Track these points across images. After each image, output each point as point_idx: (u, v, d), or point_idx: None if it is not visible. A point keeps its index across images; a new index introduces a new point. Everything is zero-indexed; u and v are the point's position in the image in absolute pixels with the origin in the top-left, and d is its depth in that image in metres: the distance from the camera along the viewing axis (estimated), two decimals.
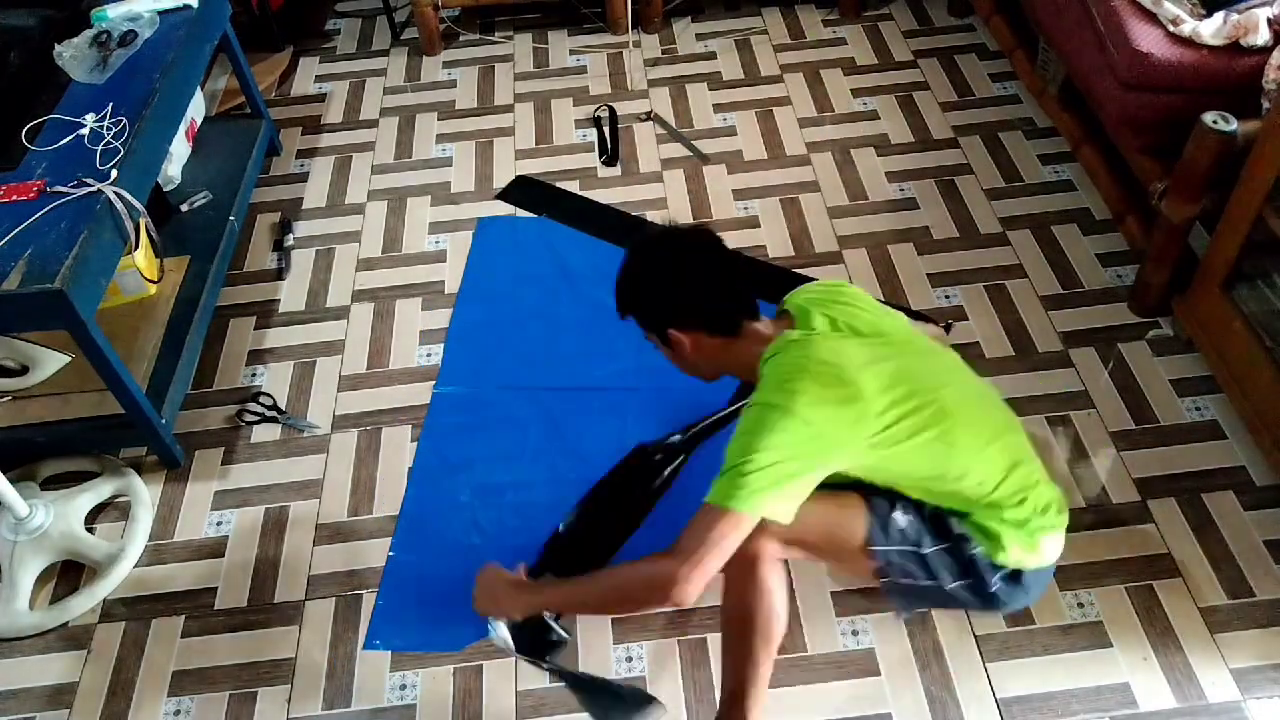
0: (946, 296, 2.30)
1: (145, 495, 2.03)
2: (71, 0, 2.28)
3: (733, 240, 2.46)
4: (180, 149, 2.47)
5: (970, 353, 2.18)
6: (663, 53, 3.12)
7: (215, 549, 1.96)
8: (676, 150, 2.76)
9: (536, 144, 2.82)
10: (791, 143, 2.75)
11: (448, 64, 3.14)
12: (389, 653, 1.79)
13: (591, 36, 3.20)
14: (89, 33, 2.16)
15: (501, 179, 2.71)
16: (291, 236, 2.58)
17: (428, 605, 1.85)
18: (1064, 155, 2.61)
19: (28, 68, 2.13)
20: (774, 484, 1.28)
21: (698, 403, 2.12)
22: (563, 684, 1.65)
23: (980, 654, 1.72)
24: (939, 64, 2.97)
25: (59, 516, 1.92)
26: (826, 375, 1.32)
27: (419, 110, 2.97)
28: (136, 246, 1.89)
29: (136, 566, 1.93)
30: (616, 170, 2.71)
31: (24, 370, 2.02)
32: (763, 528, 1.32)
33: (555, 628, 1.65)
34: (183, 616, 1.86)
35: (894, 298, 2.31)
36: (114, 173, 1.85)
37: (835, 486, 1.41)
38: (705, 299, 1.44)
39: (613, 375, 2.18)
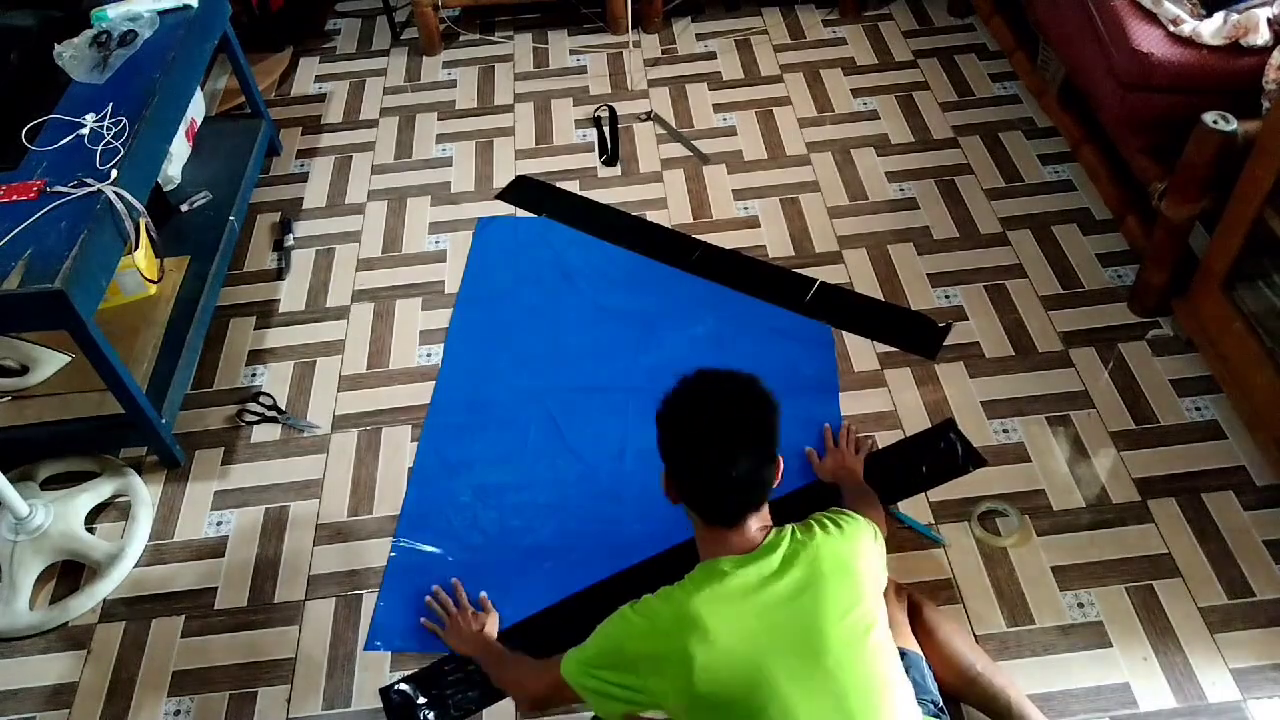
0: (946, 296, 2.30)
1: (145, 495, 2.03)
2: (71, 0, 2.28)
3: (733, 240, 2.47)
4: (180, 149, 2.47)
5: (970, 352, 2.18)
6: (663, 53, 3.12)
7: (215, 549, 1.96)
8: (676, 150, 2.76)
9: (536, 144, 2.82)
10: (791, 143, 2.75)
11: (448, 64, 3.14)
12: (389, 653, 1.79)
13: (591, 36, 3.20)
14: (89, 33, 2.16)
15: (501, 179, 2.71)
16: (291, 236, 2.58)
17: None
18: (1064, 155, 2.61)
19: (28, 68, 2.13)
20: (582, 675, 1.35)
21: None
22: None
23: None
24: (939, 64, 2.97)
25: (59, 516, 1.92)
26: (659, 647, 1.27)
27: (419, 110, 2.97)
28: (136, 246, 1.89)
29: (136, 566, 1.93)
30: (616, 170, 2.71)
31: (24, 370, 2.02)
32: None
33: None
34: (183, 616, 1.86)
35: (894, 298, 2.31)
36: (114, 173, 1.85)
37: None
38: (703, 486, 1.31)
39: (613, 375, 2.18)
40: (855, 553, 1.33)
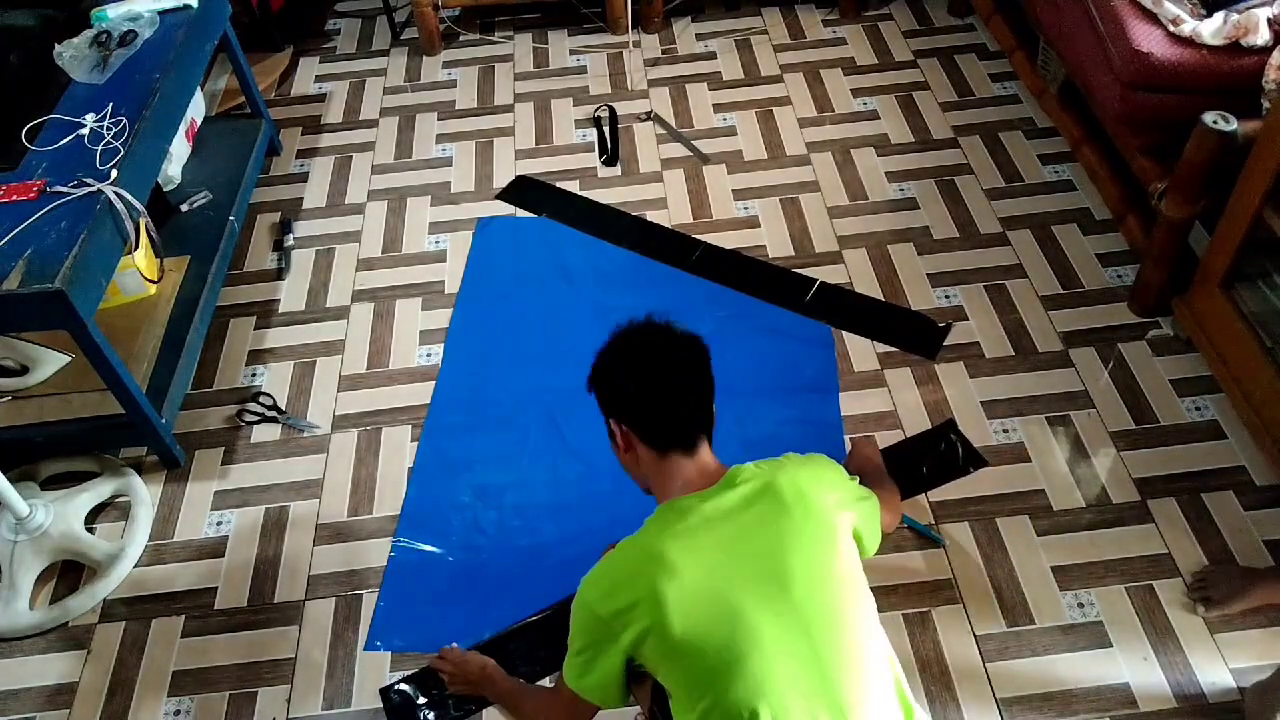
0: (946, 296, 2.31)
1: (145, 495, 2.03)
2: (71, 0, 2.28)
3: (733, 240, 2.47)
4: (180, 149, 2.47)
5: (970, 352, 2.18)
6: (663, 53, 3.12)
7: (215, 549, 1.96)
8: (676, 150, 2.76)
9: (536, 144, 2.82)
10: (791, 143, 2.75)
11: (448, 64, 3.14)
12: (389, 653, 1.79)
13: (591, 36, 3.20)
14: (89, 33, 2.16)
15: (501, 179, 2.71)
16: (291, 236, 2.58)
17: (428, 606, 1.85)
18: (1064, 155, 2.61)
19: (28, 68, 2.13)
20: (580, 674, 1.32)
21: None
22: None
23: (980, 654, 1.72)
24: (939, 64, 2.97)
25: (59, 516, 1.92)
26: (627, 586, 1.25)
27: (419, 110, 2.97)
28: (136, 246, 1.89)
29: (136, 566, 1.93)
30: (616, 170, 2.71)
31: (24, 370, 2.02)
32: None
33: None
34: (183, 616, 1.86)
35: (894, 298, 2.31)
36: (114, 173, 1.85)
37: None
38: (646, 401, 1.34)
39: None
40: (819, 486, 1.32)
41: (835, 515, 1.31)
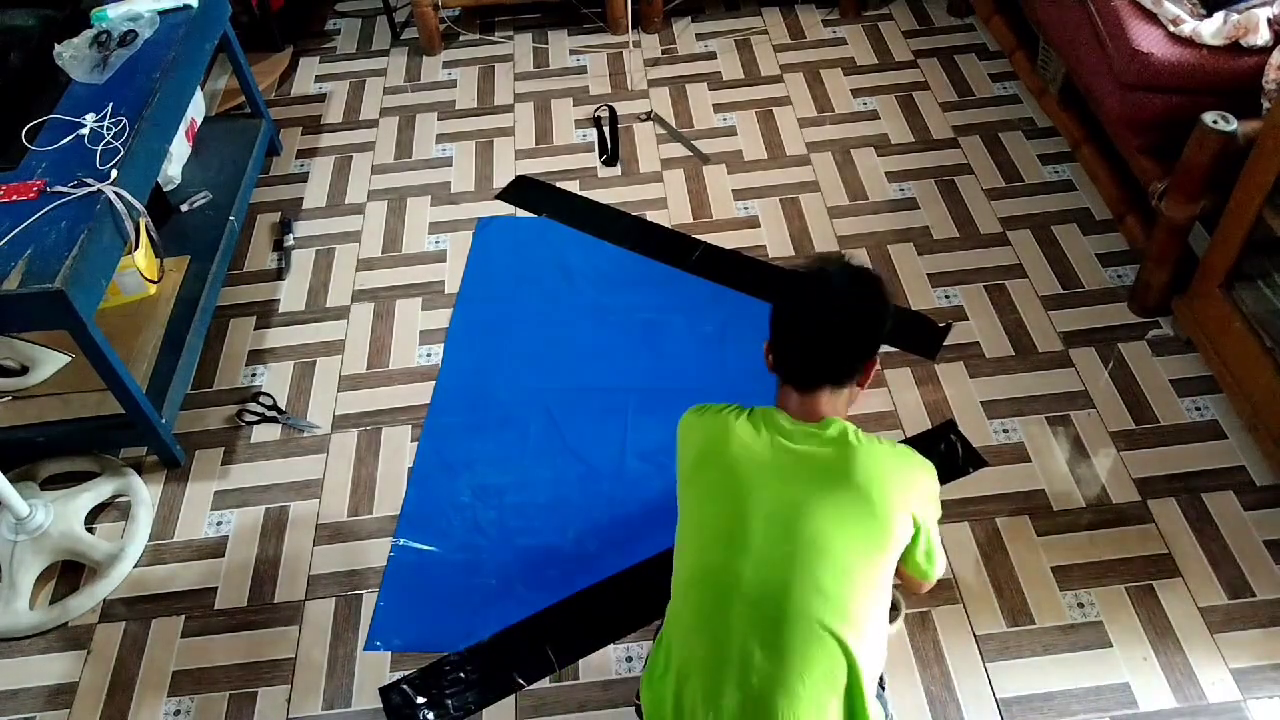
0: (946, 296, 2.30)
1: (145, 495, 2.03)
2: (71, 0, 2.28)
3: (733, 240, 2.47)
4: (180, 149, 2.47)
5: (970, 352, 2.18)
6: (663, 53, 3.12)
7: (215, 549, 1.96)
8: (676, 150, 2.76)
9: (536, 144, 2.82)
10: (791, 143, 2.75)
11: (448, 64, 3.14)
12: (389, 653, 1.79)
13: (591, 36, 3.20)
14: (89, 33, 2.16)
15: (501, 179, 2.71)
16: (291, 236, 2.58)
17: (428, 606, 1.85)
18: (1064, 155, 2.61)
19: (28, 68, 2.13)
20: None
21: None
22: None
23: (980, 654, 1.72)
24: (939, 64, 2.97)
25: (59, 516, 1.92)
26: (706, 448, 1.40)
27: (419, 110, 2.97)
28: (136, 246, 1.89)
29: (136, 566, 1.93)
30: (616, 170, 2.71)
31: (24, 370, 2.02)
32: None
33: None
34: (183, 616, 1.86)
35: (894, 298, 2.30)
36: (114, 173, 1.85)
37: None
38: (787, 348, 1.42)
39: (613, 375, 2.18)
40: (896, 480, 1.33)
41: (896, 515, 1.31)
